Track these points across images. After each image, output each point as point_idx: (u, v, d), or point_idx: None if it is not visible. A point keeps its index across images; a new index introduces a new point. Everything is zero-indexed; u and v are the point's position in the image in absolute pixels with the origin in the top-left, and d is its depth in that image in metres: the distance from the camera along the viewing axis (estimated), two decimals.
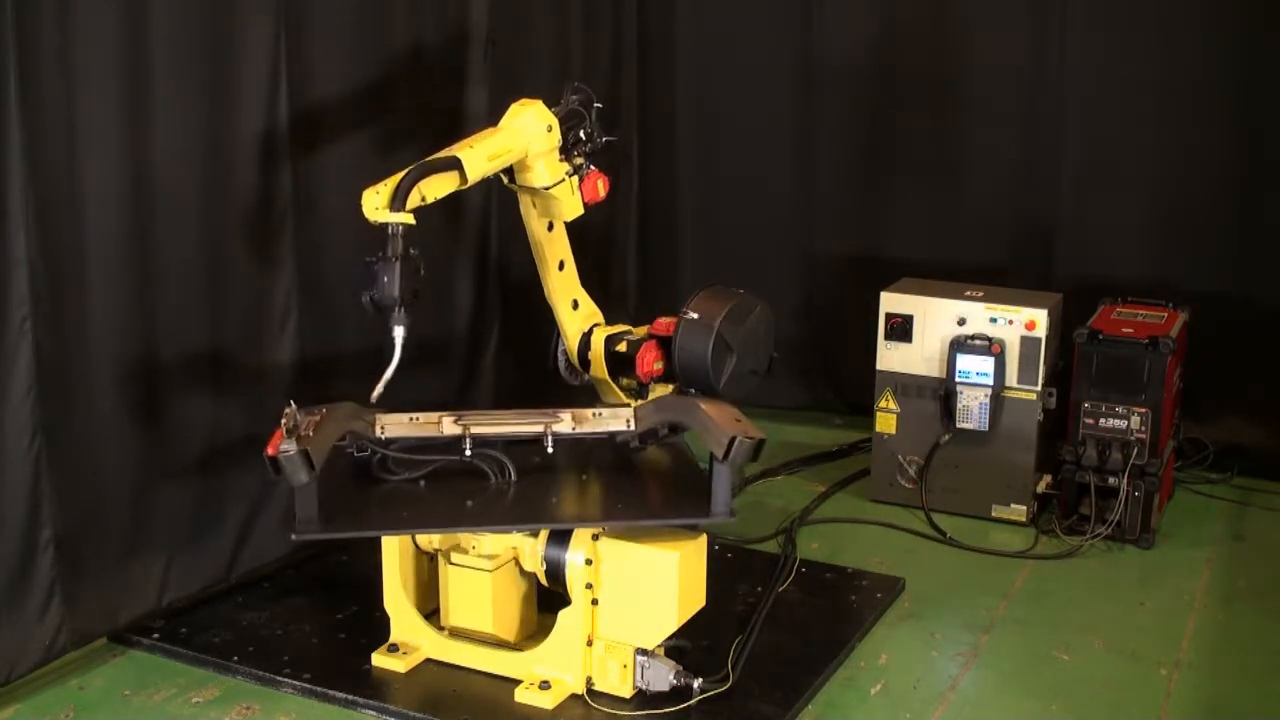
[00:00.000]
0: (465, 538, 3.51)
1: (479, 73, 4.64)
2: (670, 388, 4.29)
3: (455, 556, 3.50)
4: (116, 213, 3.50)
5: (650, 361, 4.20)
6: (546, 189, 3.90)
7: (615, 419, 3.69)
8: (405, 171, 3.43)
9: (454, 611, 3.54)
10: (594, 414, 3.70)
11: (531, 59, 4.96)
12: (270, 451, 3.12)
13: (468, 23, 4.62)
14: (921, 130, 5.45)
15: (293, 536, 3.25)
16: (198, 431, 3.82)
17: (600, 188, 4.03)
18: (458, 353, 4.77)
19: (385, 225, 3.38)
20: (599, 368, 4.26)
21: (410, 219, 3.39)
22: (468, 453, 3.52)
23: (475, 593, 3.48)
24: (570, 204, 3.99)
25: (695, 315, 4.12)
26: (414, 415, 3.61)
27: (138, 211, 3.55)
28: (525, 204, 4.03)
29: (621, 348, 4.25)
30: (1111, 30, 5.12)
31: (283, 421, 3.15)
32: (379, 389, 3.44)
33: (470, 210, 4.73)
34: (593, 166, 4.01)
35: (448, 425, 3.59)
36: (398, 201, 3.38)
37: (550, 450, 3.58)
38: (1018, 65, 5.29)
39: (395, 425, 3.57)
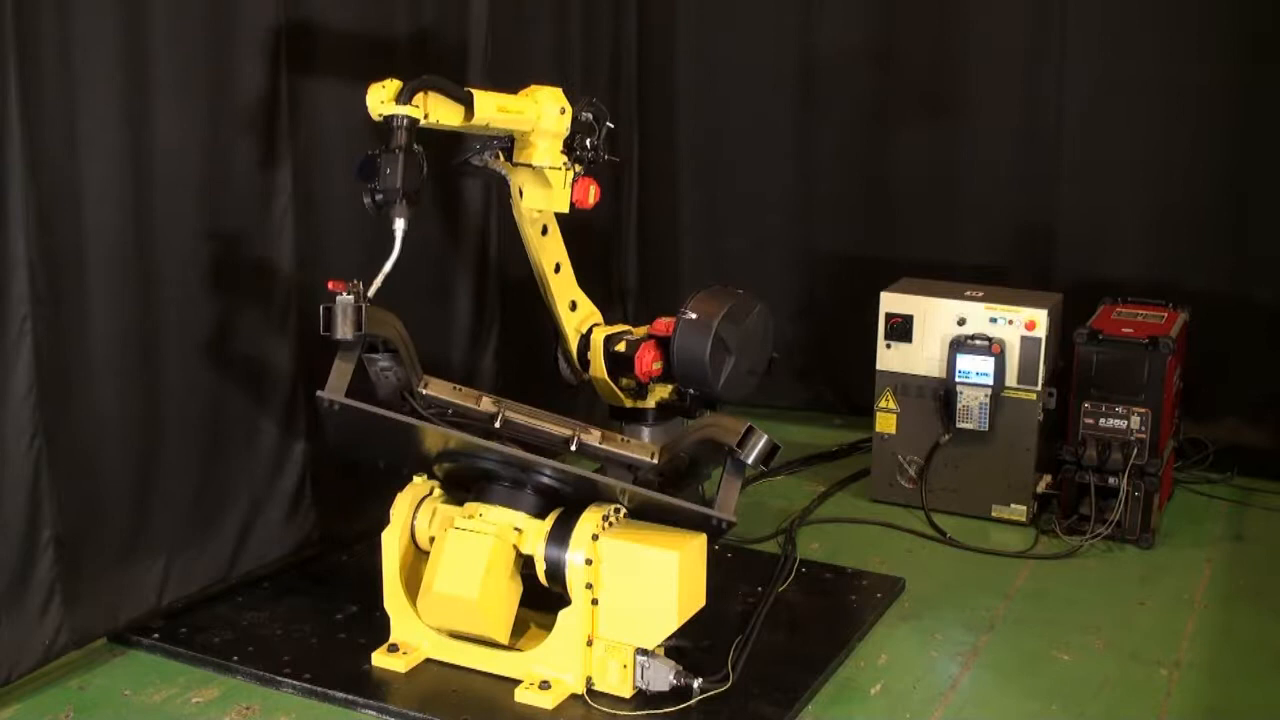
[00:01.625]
0: (471, 510, 3.50)
1: (479, 71, 4.64)
2: (669, 388, 4.30)
3: (459, 522, 3.49)
4: (116, 212, 3.49)
5: (649, 361, 4.20)
6: (543, 167, 3.94)
7: (641, 450, 3.77)
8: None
9: (441, 576, 3.44)
10: (622, 439, 3.81)
11: (531, 58, 4.96)
12: (331, 287, 3.22)
13: (468, 21, 4.62)
14: (922, 129, 5.45)
15: (318, 394, 3.28)
16: (198, 431, 3.82)
17: (591, 194, 4.06)
18: (457, 353, 4.77)
19: (390, 119, 3.42)
20: (598, 367, 4.26)
21: (417, 112, 3.43)
22: (497, 425, 3.61)
23: (470, 556, 3.42)
24: (560, 194, 4.02)
25: (694, 315, 4.13)
26: (458, 386, 3.70)
27: (138, 211, 3.55)
28: (517, 207, 4.05)
29: (620, 348, 4.25)
30: (1111, 30, 5.13)
31: (350, 283, 3.27)
32: (377, 282, 3.43)
33: (470, 210, 4.73)
34: (590, 177, 4.06)
35: (486, 403, 3.66)
36: (404, 95, 3.42)
37: (574, 450, 3.65)
38: (1018, 65, 5.29)
39: (439, 389, 3.64)
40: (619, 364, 4.25)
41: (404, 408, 3.54)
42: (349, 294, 3.28)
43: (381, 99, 3.45)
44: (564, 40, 5.19)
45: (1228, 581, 4.29)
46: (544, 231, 4.13)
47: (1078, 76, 5.18)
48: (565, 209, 4.05)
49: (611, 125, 4.09)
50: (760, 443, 3.44)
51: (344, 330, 3.26)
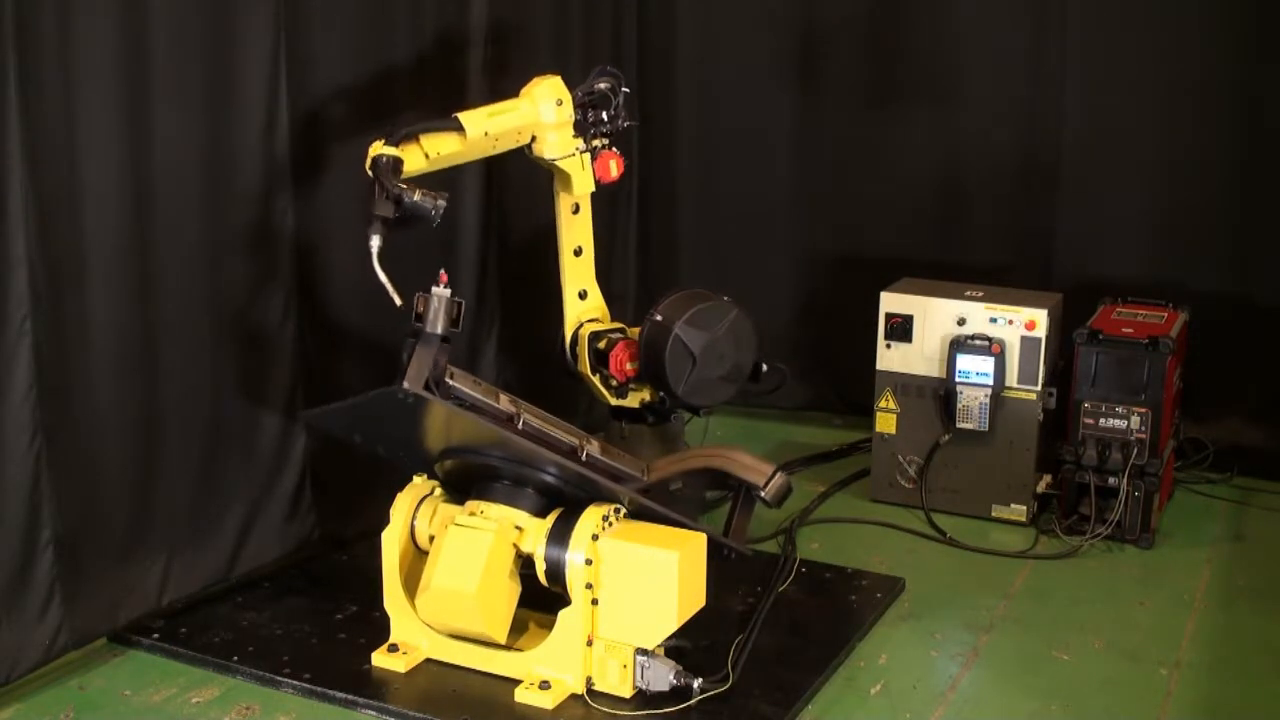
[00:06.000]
0: (472, 508, 3.51)
1: (479, 71, 4.64)
2: (647, 389, 4.32)
3: (460, 519, 3.49)
4: (116, 212, 3.49)
5: (622, 361, 4.24)
6: (555, 160, 4.03)
7: (632, 465, 3.82)
8: None
9: (440, 571, 3.42)
10: (617, 452, 3.87)
11: (532, 58, 4.95)
12: (444, 278, 3.32)
13: (468, 21, 4.62)
14: (922, 130, 5.45)
15: (403, 383, 3.30)
16: (197, 431, 3.82)
17: (614, 168, 4.16)
18: (459, 347, 4.77)
19: (375, 160, 3.57)
20: (582, 363, 4.30)
21: (396, 152, 3.59)
22: (519, 426, 3.64)
23: (470, 551, 3.41)
24: (580, 179, 4.12)
25: (660, 318, 4.16)
26: (477, 380, 3.74)
27: (138, 211, 3.55)
28: (555, 185, 4.17)
29: (602, 345, 4.28)
30: (1112, 29, 5.12)
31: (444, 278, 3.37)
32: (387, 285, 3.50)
33: (471, 207, 4.73)
34: (613, 148, 4.15)
35: (504, 402, 3.70)
36: (393, 139, 3.61)
37: (584, 459, 3.69)
38: (1018, 65, 5.29)
39: (462, 381, 3.65)
40: (600, 361, 4.29)
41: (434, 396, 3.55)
42: (447, 289, 3.36)
43: (372, 152, 3.62)
44: (564, 40, 5.18)
45: (1228, 581, 4.29)
46: (575, 210, 4.20)
47: (1078, 76, 5.17)
48: (591, 189, 4.15)
49: (628, 90, 4.15)
50: (781, 484, 3.59)
51: (438, 325, 3.35)
